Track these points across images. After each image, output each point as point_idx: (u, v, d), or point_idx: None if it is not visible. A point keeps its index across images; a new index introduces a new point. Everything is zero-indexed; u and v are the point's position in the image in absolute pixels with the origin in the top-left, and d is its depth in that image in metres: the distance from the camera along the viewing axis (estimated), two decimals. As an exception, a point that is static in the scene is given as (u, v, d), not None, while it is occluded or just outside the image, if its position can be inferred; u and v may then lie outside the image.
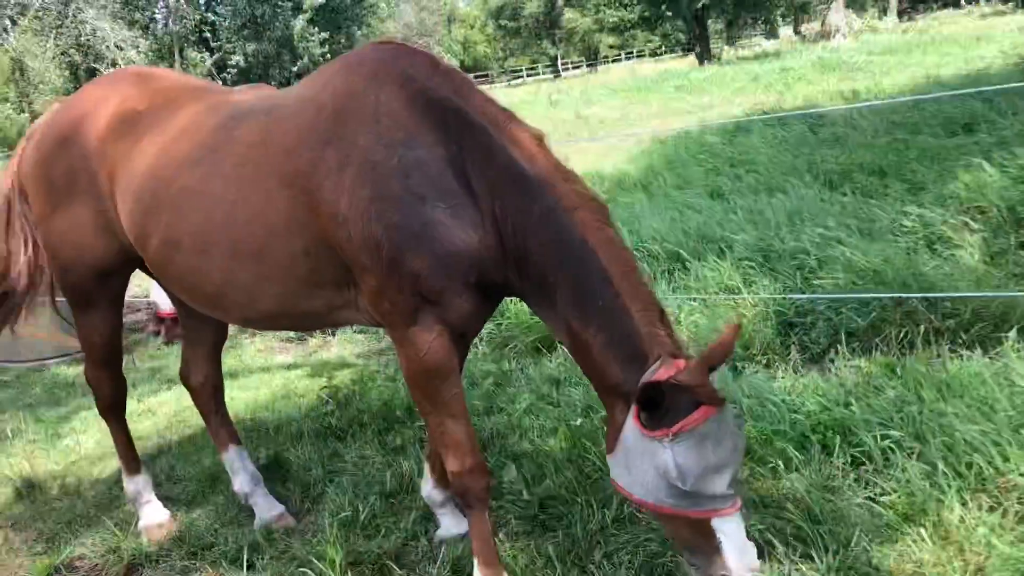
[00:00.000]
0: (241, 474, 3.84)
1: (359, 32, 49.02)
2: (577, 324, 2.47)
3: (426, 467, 3.47)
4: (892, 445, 3.27)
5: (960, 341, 4.34)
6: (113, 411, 3.94)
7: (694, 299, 5.39)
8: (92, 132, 3.29)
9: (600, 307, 2.42)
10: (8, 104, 42.05)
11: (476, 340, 5.46)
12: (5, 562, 3.78)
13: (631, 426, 2.38)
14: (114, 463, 4.71)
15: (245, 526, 3.77)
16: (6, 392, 6.50)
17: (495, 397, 4.64)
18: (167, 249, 3.05)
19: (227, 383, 4.26)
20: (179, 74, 3.68)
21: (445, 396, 2.74)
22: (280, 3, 42.51)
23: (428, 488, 3.45)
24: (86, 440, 5.13)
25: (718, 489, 2.28)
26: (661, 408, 2.26)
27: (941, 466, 3.05)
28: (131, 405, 5.69)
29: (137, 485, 3.93)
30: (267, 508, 3.79)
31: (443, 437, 2.80)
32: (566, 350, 2.70)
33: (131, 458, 3.98)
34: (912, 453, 3.23)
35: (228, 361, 5.79)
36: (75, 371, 6.77)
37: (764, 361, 4.62)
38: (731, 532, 2.31)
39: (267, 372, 5.97)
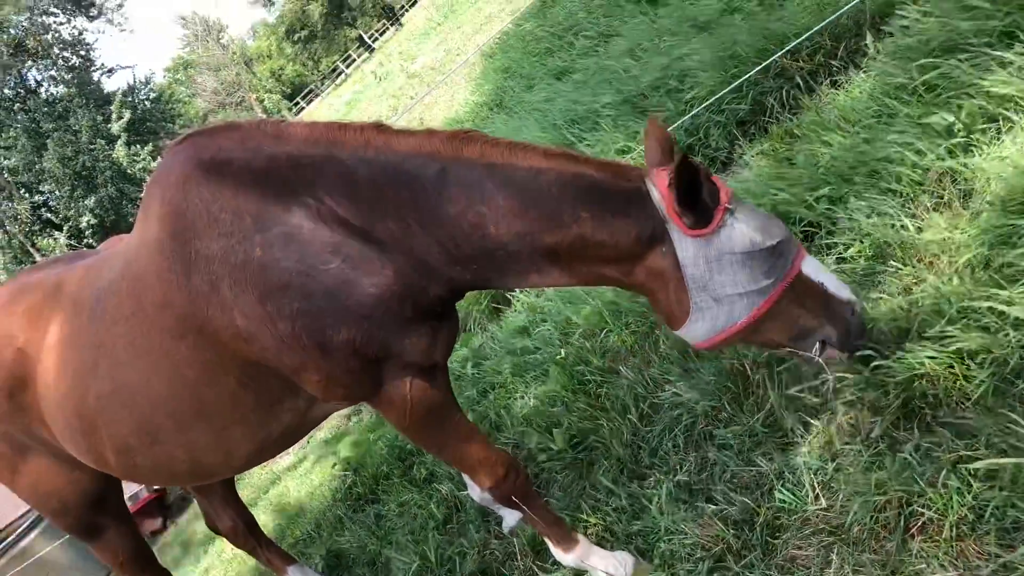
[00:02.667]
0: None
1: (175, 126, 47.81)
2: (555, 233, 2.25)
3: (465, 476, 3.30)
4: (827, 205, 3.28)
5: (836, 69, 4.36)
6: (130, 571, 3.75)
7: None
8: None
9: (561, 196, 2.24)
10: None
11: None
12: None
13: (691, 245, 2.21)
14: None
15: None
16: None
17: (482, 378, 4.60)
18: (124, 456, 2.86)
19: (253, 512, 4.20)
20: (24, 278, 3.40)
21: (448, 429, 2.56)
22: (91, 145, 41.33)
23: (478, 492, 3.25)
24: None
25: (785, 232, 2.26)
26: (701, 200, 2.17)
27: (875, 196, 3.07)
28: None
29: None
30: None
31: (464, 462, 2.61)
32: (552, 280, 2.40)
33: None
34: (845, 198, 3.24)
35: (242, 494, 5.71)
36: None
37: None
38: (819, 269, 2.31)
39: (278, 483, 5.89)
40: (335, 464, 4.96)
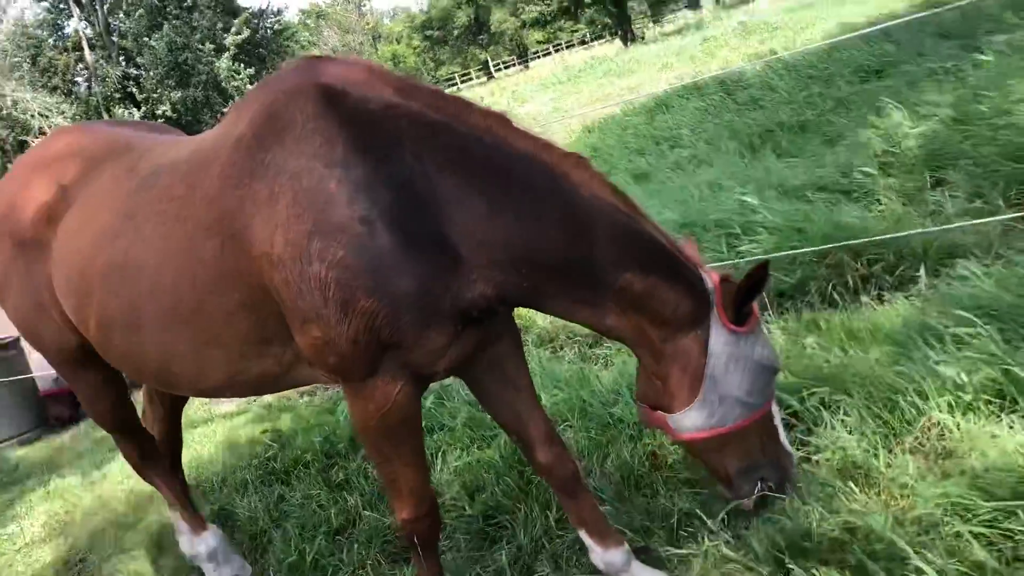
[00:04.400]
0: (187, 535, 3.72)
1: (283, 63, 48.75)
2: (636, 275, 2.26)
3: (586, 538, 2.81)
4: (818, 404, 3.27)
5: (886, 285, 4.38)
6: (145, 470, 3.67)
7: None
8: (24, 220, 3.05)
9: (646, 247, 2.28)
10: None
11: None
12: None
13: (723, 337, 2.35)
14: (59, 543, 4.62)
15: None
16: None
17: (435, 416, 4.58)
18: (103, 331, 2.82)
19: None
20: (108, 127, 3.37)
21: (405, 448, 2.47)
22: (200, 46, 42.11)
23: (600, 555, 2.77)
24: (32, 525, 4.99)
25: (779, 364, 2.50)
26: (749, 303, 2.34)
27: (864, 415, 3.06)
28: (73, 476, 5.61)
29: (208, 544, 3.61)
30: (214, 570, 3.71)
31: (395, 484, 2.54)
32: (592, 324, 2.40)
33: (192, 517, 3.68)
34: (838, 407, 3.23)
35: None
36: (23, 452, 6.64)
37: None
38: (778, 415, 2.53)
39: (209, 424, 5.86)
40: (266, 431, 4.93)
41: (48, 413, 7.45)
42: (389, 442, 2.44)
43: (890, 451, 2.91)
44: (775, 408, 2.49)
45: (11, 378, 6.74)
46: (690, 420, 2.40)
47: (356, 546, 3.57)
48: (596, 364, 4.73)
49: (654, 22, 51.94)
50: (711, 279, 2.37)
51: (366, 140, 2.21)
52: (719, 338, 2.34)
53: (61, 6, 45.58)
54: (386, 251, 2.16)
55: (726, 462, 2.48)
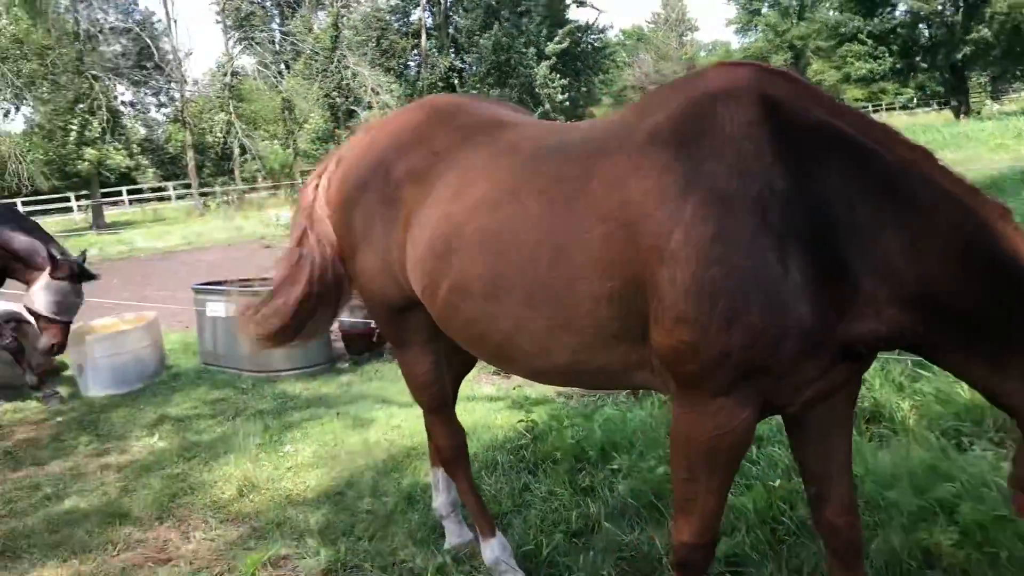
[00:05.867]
0: (444, 495, 3.92)
1: (597, 79, 50.08)
2: None
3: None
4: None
5: None
6: (451, 464, 3.67)
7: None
8: (391, 178, 3.13)
9: None
10: (276, 141, 46.49)
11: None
12: (223, 553, 4.11)
13: None
14: (323, 472, 5.04)
15: (434, 548, 3.87)
16: (242, 397, 7.13)
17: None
18: (455, 296, 2.83)
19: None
20: (476, 103, 3.41)
21: (718, 476, 2.39)
22: (524, 50, 44.19)
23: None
24: (303, 450, 5.49)
25: None
26: None
27: None
28: (346, 416, 6.10)
29: (494, 551, 3.56)
30: (457, 534, 3.89)
31: (690, 506, 2.44)
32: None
33: (484, 519, 3.64)
34: None
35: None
36: (302, 386, 7.32)
37: (997, 439, 4.21)
38: None
39: (472, 401, 6.13)
40: (522, 420, 5.09)
41: (338, 351, 8.24)
42: (707, 464, 2.37)
43: None
44: None
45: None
46: None
47: (592, 553, 3.60)
48: (871, 441, 4.44)
49: (993, 98, 47.82)
50: None
51: (795, 154, 2.18)
52: None
53: (413, -5, 49.71)
54: (790, 271, 2.11)
55: None
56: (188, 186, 45.40)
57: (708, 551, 2.54)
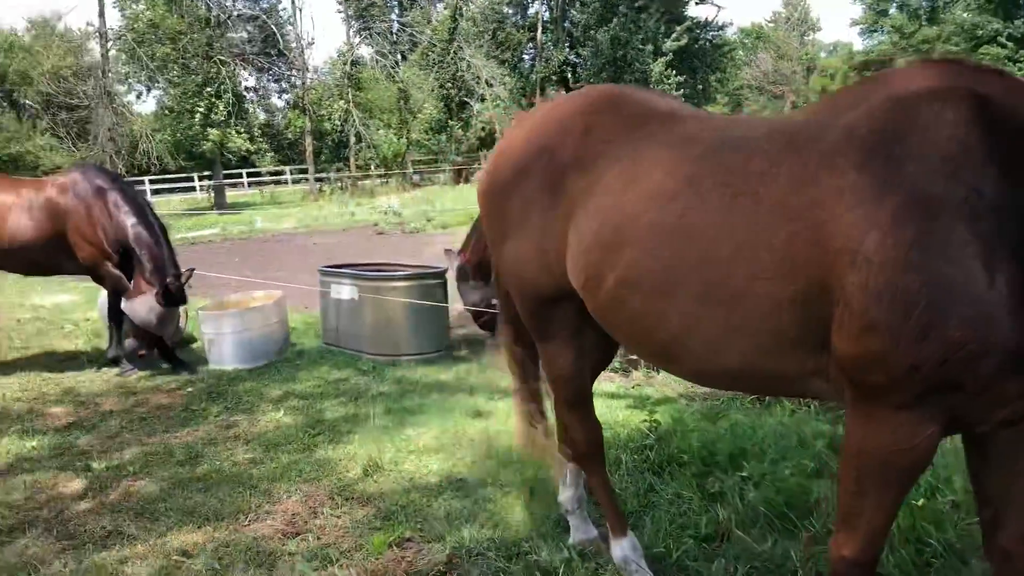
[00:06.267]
0: (571, 490, 3.89)
1: (713, 77, 49.25)
2: None
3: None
4: None
5: None
6: (587, 459, 3.61)
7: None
8: (554, 166, 3.03)
9: None
10: (391, 129, 47.43)
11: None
12: (350, 531, 4.19)
13: None
14: (444, 458, 5.09)
15: (559, 541, 3.85)
16: (363, 379, 7.27)
17: (826, 460, 4.36)
18: (622, 290, 2.72)
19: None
20: (639, 93, 3.23)
21: (892, 493, 2.29)
22: (641, 46, 43.83)
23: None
24: (425, 434, 5.56)
25: None
26: None
27: None
28: (466, 404, 6.14)
29: (624, 550, 3.52)
30: (583, 530, 3.85)
31: (855, 519, 2.35)
32: None
33: (616, 516, 3.59)
34: None
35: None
36: (422, 371, 7.42)
37: None
38: None
39: (608, 399, 6.08)
40: (646, 420, 5.02)
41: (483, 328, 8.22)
42: (881, 480, 2.27)
43: None
44: None
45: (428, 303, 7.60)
46: None
47: (723, 561, 3.51)
48: None
49: None
50: None
51: (1007, 157, 2.05)
52: None
53: (530, -12, 49.91)
54: (998, 283, 1.98)
55: None
56: (304, 171, 46.79)
57: (868, 570, 2.42)
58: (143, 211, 7.75)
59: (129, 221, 7.59)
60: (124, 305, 7.64)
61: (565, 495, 3.92)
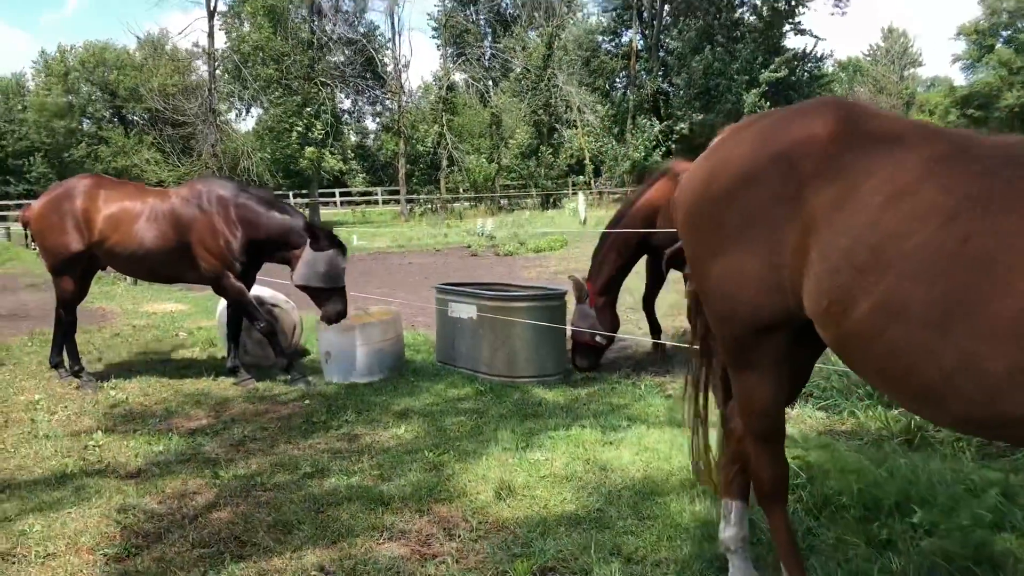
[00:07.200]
0: (735, 529, 3.63)
1: (803, 108, 48.41)
2: None
3: None
4: None
5: None
6: (771, 500, 3.33)
7: None
8: (795, 175, 2.77)
9: None
10: (481, 154, 47.91)
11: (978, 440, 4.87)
12: (490, 556, 4.03)
13: None
14: (578, 485, 4.90)
15: (714, 585, 3.63)
16: (482, 399, 7.16)
17: (1004, 511, 4.02)
18: (879, 317, 2.45)
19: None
20: (876, 108, 2.99)
21: None
22: (736, 76, 43.34)
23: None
24: (556, 459, 5.38)
25: None
26: None
27: None
28: (592, 430, 5.94)
29: None
30: (744, 571, 3.59)
31: None
32: None
33: (797, 564, 3.31)
34: None
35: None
36: (541, 393, 7.27)
37: None
38: None
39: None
40: (796, 457, 4.74)
41: (574, 361, 8.17)
42: None
43: None
44: None
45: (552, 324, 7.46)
46: None
47: (908, 617, 3.24)
48: None
49: None
50: None
51: None
52: None
53: (625, 18, 49.93)
54: None
55: None
56: (393, 192, 47.52)
57: None
58: (279, 204, 7.95)
59: (271, 213, 7.76)
60: (296, 279, 7.72)
61: (727, 533, 3.68)
